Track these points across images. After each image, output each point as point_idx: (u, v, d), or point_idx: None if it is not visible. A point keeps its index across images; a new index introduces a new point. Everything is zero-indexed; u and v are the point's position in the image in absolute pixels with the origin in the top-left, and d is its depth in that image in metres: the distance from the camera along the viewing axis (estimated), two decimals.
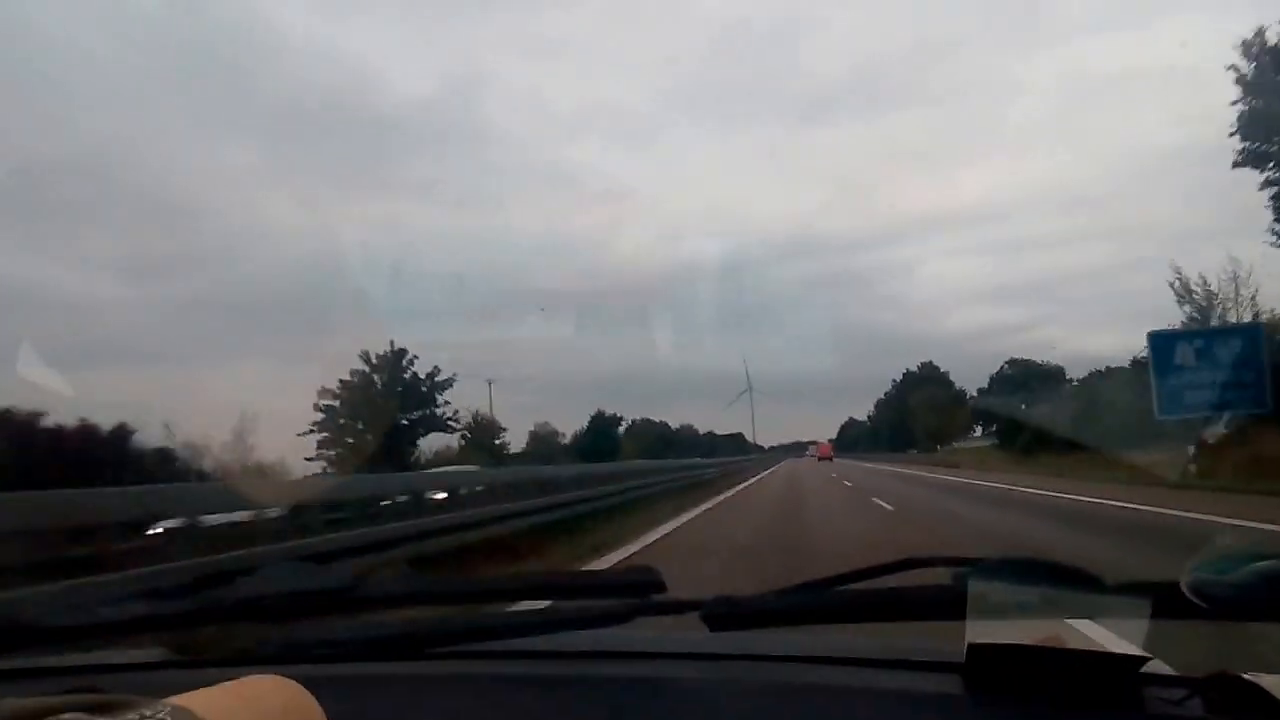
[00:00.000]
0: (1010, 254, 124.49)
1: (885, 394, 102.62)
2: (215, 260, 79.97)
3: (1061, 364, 61.49)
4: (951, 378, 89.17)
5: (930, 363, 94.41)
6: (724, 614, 1.00)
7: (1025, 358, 69.31)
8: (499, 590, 1.35)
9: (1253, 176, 26.99)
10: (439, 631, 1.14)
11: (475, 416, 53.10)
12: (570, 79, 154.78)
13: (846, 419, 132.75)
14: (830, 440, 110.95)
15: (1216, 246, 56.94)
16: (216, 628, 1.14)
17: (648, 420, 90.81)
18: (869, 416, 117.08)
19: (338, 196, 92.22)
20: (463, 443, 51.76)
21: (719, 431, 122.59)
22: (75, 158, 67.51)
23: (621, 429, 77.39)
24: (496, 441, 53.08)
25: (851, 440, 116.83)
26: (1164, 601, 0.85)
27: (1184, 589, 0.83)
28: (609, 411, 74.35)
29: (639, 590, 1.05)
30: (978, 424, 74.84)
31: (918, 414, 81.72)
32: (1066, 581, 0.91)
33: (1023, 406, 48.39)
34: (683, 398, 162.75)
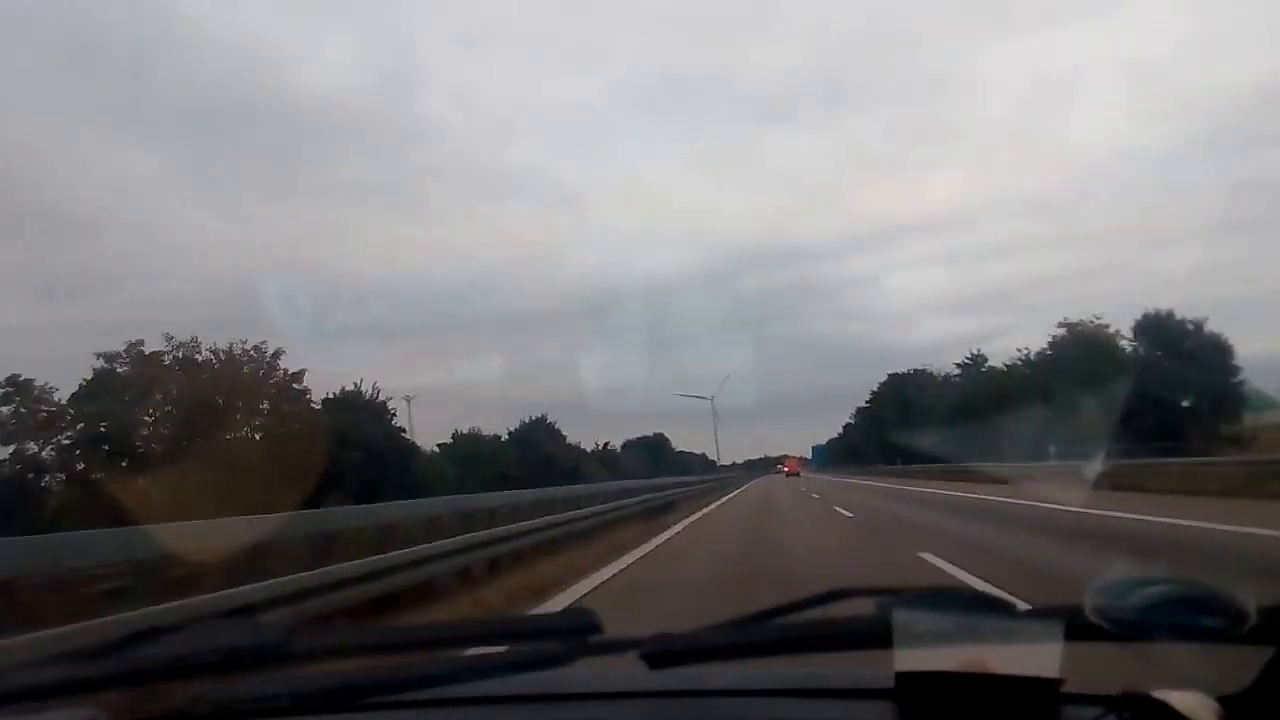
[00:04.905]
0: (975, 261, 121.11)
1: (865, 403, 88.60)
2: (119, 279, 75.24)
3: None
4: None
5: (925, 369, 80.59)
6: (661, 652, 1.02)
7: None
8: (434, 639, 1.33)
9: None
10: (373, 682, 1.12)
11: None
12: (511, 73, 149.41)
13: (837, 433, 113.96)
14: (803, 458, 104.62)
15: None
16: (146, 688, 1.09)
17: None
18: (843, 427, 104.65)
19: (258, 204, 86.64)
20: None
21: (691, 450, 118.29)
22: None
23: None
24: None
25: (841, 454, 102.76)
26: (1073, 626, 0.90)
27: (1088, 613, 0.88)
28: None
29: (576, 633, 1.06)
30: None
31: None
32: (984, 609, 0.96)
33: None
34: (650, 414, 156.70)
